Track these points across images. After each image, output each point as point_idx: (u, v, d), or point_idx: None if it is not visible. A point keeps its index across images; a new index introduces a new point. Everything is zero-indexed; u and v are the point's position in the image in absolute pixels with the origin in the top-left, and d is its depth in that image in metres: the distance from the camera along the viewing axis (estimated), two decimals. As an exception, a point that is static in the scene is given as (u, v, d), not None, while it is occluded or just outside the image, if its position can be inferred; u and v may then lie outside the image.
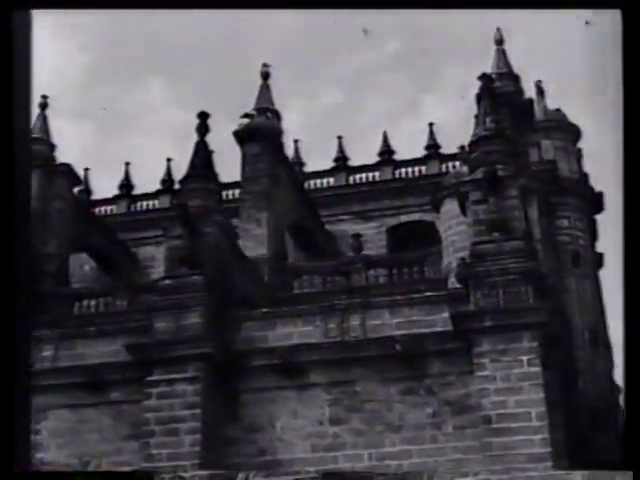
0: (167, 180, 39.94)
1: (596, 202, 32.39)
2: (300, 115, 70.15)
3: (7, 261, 7.62)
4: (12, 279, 7.66)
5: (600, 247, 33.46)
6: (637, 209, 8.67)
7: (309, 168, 39.52)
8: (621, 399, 29.73)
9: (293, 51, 72.42)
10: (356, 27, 67.62)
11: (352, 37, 77.89)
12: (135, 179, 41.50)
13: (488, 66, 30.12)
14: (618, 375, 30.04)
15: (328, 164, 38.88)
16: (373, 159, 38.25)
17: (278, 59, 64.11)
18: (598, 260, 32.93)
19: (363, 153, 41.25)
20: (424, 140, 38.18)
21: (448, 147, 36.68)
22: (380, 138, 38.75)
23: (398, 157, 38.19)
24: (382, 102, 79.42)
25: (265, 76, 31.95)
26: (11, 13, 7.55)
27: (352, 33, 75.33)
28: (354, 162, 38.80)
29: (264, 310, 22.59)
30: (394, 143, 38.75)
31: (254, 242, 27.58)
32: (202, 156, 24.17)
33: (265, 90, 31.83)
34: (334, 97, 78.29)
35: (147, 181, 42.03)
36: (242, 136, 29.84)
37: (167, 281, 22.45)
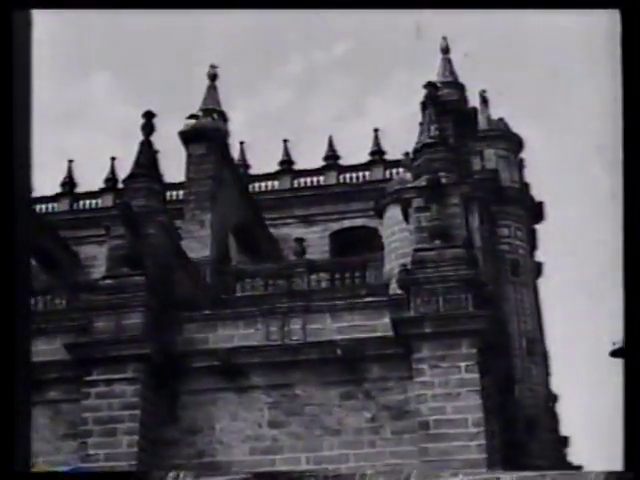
0: (111, 179, 39.62)
1: (536, 212, 32.88)
2: (247, 116, 70.03)
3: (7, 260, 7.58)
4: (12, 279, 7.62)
5: (539, 256, 34.00)
6: (637, 211, 8.79)
7: (255, 169, 39.52)
8: (556, 407, 30.24)
9: (242, 52, 72.33)
10: (305, 27, 67.78)
11: (302, 37, 77.96)
12: (78, 177, 41.11)
13: (435, 71, 30.43)
14: (554, 383, 30.56)
15: (274, 166, 38.91)
16: (319, 161, 38.38)
17: (227, 60, 64.06)
18: (537, 269, 33.43)
19: (309, 155, 41.36)
20: (370, 143, 38.40)
21: (393, 148, 36.95)
22: (326, 140, 38.89)
23: (344, 160, 38.37)
24: (329, 104, 79.68)
25: (212, 77, 31.89)
26: (11, 13, 7.49)
27: (302, 33, 75.51)
28: (300, 163, 38.90)
29: (205, 312, 22.57)
30: (340, 146, 38.94)
31: (197, 243, 27.52)
32: (147, 156, 24.07)
33: (212, 91, 31.77)
34: (282, 98, 78.29)
35: (90, 179, 41.60)
36: (187, 136, 29.76)
37: (108, 281, 22.32)
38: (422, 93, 24.93)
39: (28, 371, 8.35)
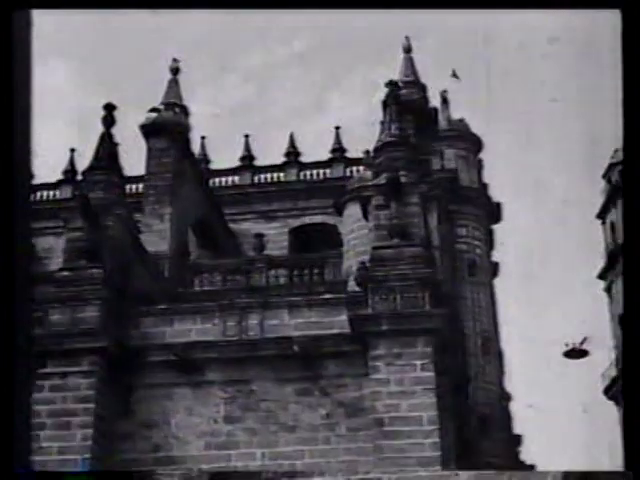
0: (69, 170, 39.31)
1: (494, 212, 33.17)
2: (208, 109, 69.84)
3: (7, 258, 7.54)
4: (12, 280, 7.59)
5: (496, 256, 34.30)
6: (637, 212, 8.87)
7: (216, 164, 39.42)
8: (510, 406, 30.53)
9: (204, 47, 72.08)
10: (265, 22, 67.61)
11: (262, 32, 77.79)
12: (36, 168, 40.67)
13: (395, 68, 30.61)
14: (508, 382, 30.85)
15: (235, 161, 38.84)
16: (280, 156, 38.39)
17: (190, 54, 63.79)
18: (493, 269, 33.72)
19: (270, 150, 41.37)
20: (331, 140, 38.47)
21: (354, 144, 37.05)
22: (287, 134, 38.91)
23: (304, 155, 38.40)
24: (290, 98, 79.65)
25: (174, 71, 31.76)
26: (11, 13, 7.46)
27: (262, 28, 75.33)
28: (261, 158, 38.87)
29: (163, 306, 22.51)
30: (301, 141, 38.97)
31: (156, 237, 27.41)
32: (107, 148, 23.94)
33: (174, 85, 31.64)
34: (244, 93, 78.17)
35: (48, 170, 41.25)
36: (148, 130, 29.62)
37: (65, 273, 22.17)
38: (383, 89, 25.13)
39: (28, 372, 8.32)
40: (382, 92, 25.28)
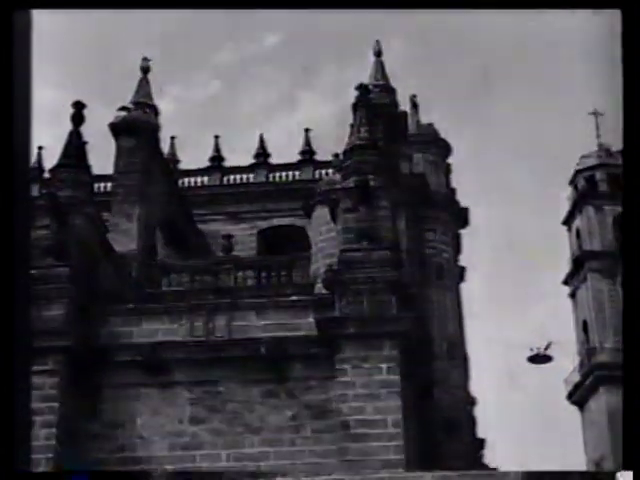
0: (37, 168, 39.04)
1: (461, 217, 33.38)
2: (177, 106, 69.64)
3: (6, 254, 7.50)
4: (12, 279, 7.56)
5: (462, 261, 34.53)
6: (637, 213, 8.94)
7: (185, 161, 39.32)
8: (474, 410, 30.74)
9: (173, 43, 71.85)
10: (236, 18, 67.47)
11: (233, 28, 77.64)
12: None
13: (365, 68, 30.79)
14: (473, 386, 31.06)
15: (204, 159, 38.81)
16: (249, 153, 38.44)
17: (159, 51, 63.55)
18: (460, 273, 33.93)
19: (239, 148, 41.43)
20: (300, 139, 38.57)
21: (324, 141, 37.18)
22: (256, 132, 39.01)
23: (274, 154, 38.50)
24: (260, 96, 79.59)
25: (145, 70, 31.66)
26: (11, 13, 7.44)
27: (233, 24, 75.23)
28: (230, 157, 38.90)
29: (130, 306, 22.44)
30: (270, 139, 39.09)
31: (124, 237, 27.30)
32: (75, 146, 23.83)
33: (144, 84, 31.52)
34: (212, 90, 78.00)
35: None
36: (118, 129, 29.48)
37: (31, 271, 22.02)
38: (352, 88, 25.37)
39: (28, 372, 8.29)
40: (352, 91, 25.51)
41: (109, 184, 32.71)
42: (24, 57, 7.59)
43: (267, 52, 78.57)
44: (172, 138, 39.67)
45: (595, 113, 52.00)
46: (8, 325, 7.72)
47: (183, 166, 39.24)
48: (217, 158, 38.84)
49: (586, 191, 50.65)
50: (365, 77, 30.71)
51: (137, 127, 29.84)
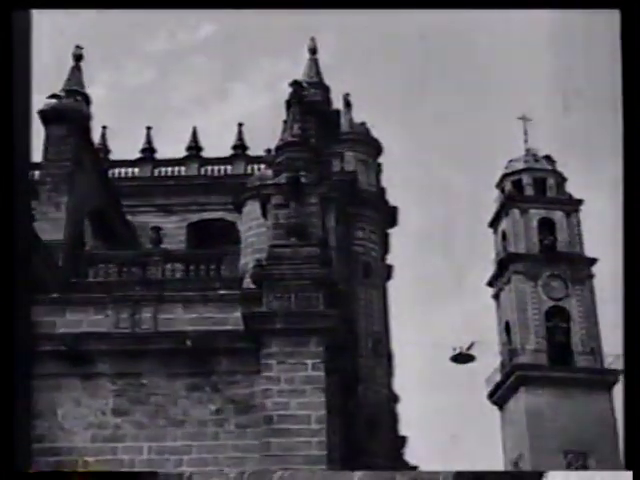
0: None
1: (390, 216, 33.67)
2: (110, 97, 68.93)
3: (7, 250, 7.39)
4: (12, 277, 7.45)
5: (390, 260, 34.84)
6: (636, 214, 9.04)
7: (117, 153, 38.93)
8: (397, 407, 31.06)
9: (106, 30, 71.06)
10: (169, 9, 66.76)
11: (167, 16, 77.02)
12: None
13: (298, 63, 30.92)
14: (397, 384, 31.38)
15: (135, 149, 38.49)
16: (182, 147, 38.24)
17: (94, 39, 62.85)
18: (387, 272, 34.23)
19: (172, 141, 41.14)
20: (233, 131, 38.50)
21: (257, 134, 37.12)
22: (191, 122, 38.88)
23: (206, 146, 38.33)
24: (193, 86, 79.11)
25: (77, 58, 31.30)
26: (11, 13, 7.35)
27: (167, 11, 74.59)
28: (162, 148, 38.63)
29: (54, 295, 22.21)
30: (203, 130, 38.87)
31: (51, 226, 26.98)
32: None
33: (76, 72, 31.17)
34: (145, 79, 77.30)
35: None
36: (47, 116, 29.09)
37: None
38: (286, 83, 25.50)
39: (29, 374, 8.20)
40: (285, 85, 25.66)
41: (37, 172, 32.28)
42: (24, 56, 7.57)
43: (202, 42, 78.06)
44: (103, 128, 39.30)
45: (523, 118, 52.90)
46: (9, 327, 7.69)
47: (114, 156, 38.89)
48: (149, 150, 38.55)
49: (512, 194, 51.49)
50: (299, 72, 30.89)
51: (67, 115, 29.50)
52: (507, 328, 48.86)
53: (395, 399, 31.04)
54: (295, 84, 25.62)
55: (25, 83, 7.62)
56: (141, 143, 38.74)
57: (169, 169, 37.74)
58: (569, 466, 42.15)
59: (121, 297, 22.04)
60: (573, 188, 51.81)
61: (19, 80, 7.54)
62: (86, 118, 30.67)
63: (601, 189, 50.96)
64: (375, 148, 34.26)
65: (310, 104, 27.38)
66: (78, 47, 31.41)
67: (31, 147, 7.74)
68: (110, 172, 36.10)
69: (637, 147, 9.14)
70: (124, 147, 39.46)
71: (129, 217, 34.67)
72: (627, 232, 9.05)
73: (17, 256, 7.50)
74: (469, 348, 42.81)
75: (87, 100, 31.04)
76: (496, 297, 50.99)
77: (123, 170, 37.64)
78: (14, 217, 7.48)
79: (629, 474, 11.52)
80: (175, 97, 77.02)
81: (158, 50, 78.21)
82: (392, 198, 34.15)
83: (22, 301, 7.90)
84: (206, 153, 38.32)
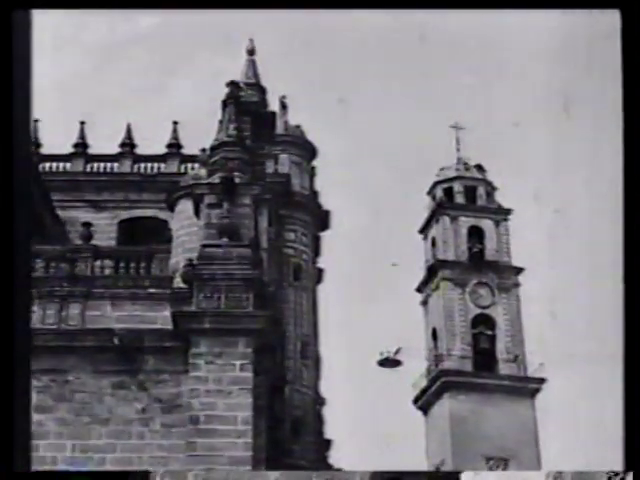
0: None
1: (323, 219, 33.84)
2: (43, 87, 67.79)
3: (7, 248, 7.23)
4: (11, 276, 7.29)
5: (321, 263, 34.98)
6: (636, 215, 9.09)
7: (48, 148, 38.36)
8: (323, 410, 31.22)
9: (44, 17, 69.85)
10: None
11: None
12: None
13: (236, 62, 30.87)
14: (324, 387, 31.52)
15: (68, 143, 37.98)
16: (115, 142, 37.84)
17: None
18: (318, 275, 34.37)
19: (106, 135, 40.68)
20: (168, 128, 38.22)
21: (193, 131, 36.95)
22: (126, 115, 38.49)
23: (140, 141, 37.96)
24: (130, 78, 78.31)
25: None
26: (11, 13, 7.21)
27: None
28: (95, 143, 38.17)
29: (-21, 289, 21.86)
30: (137, 125, 38.54)
31: (-23, 217, 26.55)
32: None
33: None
34: (80, 69, 76.22)
35: None
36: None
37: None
38: (223, 81, 25.49)
39: (28, 372, 8.05)
40: (222, 82, 25.65)
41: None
42: (24, 57, 7.47)
43: (141, 34, 77.20)
44: (35, 121, 38.74)
45: (456, 127, 53.56)
46: (8, 325, 7.57)
47: (46, 150, 38.36)
48: (82, 145, 38.11)
49: (443, 202, 52.09)
50: (237, 72, 30.85)
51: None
52: (434, 334, 49.40)
53: (322, 402, 31.18)
54: (232, 84, 25.65)
55: (25, 83, 7.56)
56: (74, 137, 38.31)
57: (102, 165, 37.37)
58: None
59: (48, 293, 21.81)
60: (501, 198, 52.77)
61: (19, 80, 7.48)
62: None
63: (530, 200, 51.87)
64: (310, 151, 34.42)
65: (246, 105, 27.41)
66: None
67: (31, 147, 7.73)
68: (41, 166, 35.62)
69: (637, 148, 9.24)
70: (57, 140, 38.95)
71: (59, 212, 34.23)
72: (627, 231, 9.18)
73: (17, 255, 7.44)
74: (396, 353, 43.22)
75: (19, 92, 30.61)
76: (424, 303, 51.50)
77: (54, 164, 37.17)
78: (14, 218, 7.44)
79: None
80: (111, 89, 76.01)
81: (94, 40, 77.11)
82: (325, 201, 34.35)
83: (21, 299, 7.84)
84: (140, 149, 37.98)
